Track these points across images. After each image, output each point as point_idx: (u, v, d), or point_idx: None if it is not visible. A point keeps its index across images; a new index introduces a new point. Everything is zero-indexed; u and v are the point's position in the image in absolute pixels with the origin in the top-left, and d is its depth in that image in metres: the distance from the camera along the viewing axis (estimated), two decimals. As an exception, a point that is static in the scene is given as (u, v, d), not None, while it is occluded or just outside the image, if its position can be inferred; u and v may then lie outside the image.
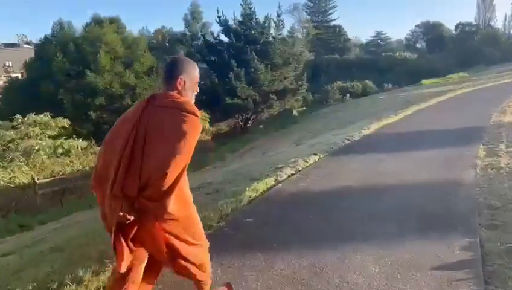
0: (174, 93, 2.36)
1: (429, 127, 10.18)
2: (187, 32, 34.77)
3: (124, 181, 2.16)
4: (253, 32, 29.99)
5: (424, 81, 38.96)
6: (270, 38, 29.73)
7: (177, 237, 2.36)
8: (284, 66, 29.58)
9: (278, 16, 30.05)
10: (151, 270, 2.55)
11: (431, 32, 62.45)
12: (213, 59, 29.67)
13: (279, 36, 30.24)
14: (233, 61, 27.45)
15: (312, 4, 58.19)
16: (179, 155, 2.14)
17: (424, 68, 46.80)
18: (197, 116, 2.29)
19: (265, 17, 30.41)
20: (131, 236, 2.26)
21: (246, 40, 29.32)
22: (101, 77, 24.72)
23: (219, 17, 29.98)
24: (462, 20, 62.10)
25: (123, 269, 2.29)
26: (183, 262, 2.45)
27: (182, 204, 2.34)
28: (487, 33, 59.15)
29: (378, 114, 15.88)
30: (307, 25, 56.66)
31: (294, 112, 32.90)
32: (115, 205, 2.19)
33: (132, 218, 2.17)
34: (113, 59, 25.66)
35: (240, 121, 30.08)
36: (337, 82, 42.12)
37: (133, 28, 71.73)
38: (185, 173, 2.28)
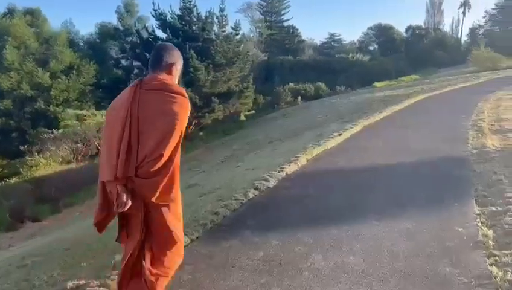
0: (163, 76, 2.35)
1: (385, 159, 6.58)
2: (120, 27, 30.09)
3: (125, 165, 2.15)
4: (193, 28, 25.94)
5: (377, 84, 36.48)
6: (212, 36, 25.78)
7: (164, 223, 2.30)
8: (227, 66, 25.72)
9: (221, 11, 26.08)
10: None
11: (383, 34, 60.52)
12: (148, 57, 25.42)
13: (223, 33, 26.28)
14: (169, 59, 23.38)
15: (265, 3, 54.35)
16: (172, 135, 2.18)
17: (377, 70, 44.67)
18: (185, 97, 2.32)
19: (208, 12, 26.44)
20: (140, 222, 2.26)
21: (185, 37, 25.23)
22: (7, 76, 19.94)
23: (155, 10, 25.68)
24: (413, 24, 60.52)
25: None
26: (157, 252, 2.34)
27: (174, 187, 2.30)
28: (436, 36, 58.00)
29: (322, 126, 12.36)
30: (260, 24, 53.00)
31: (242, 117, 29.37)
32: (113, 190, 2.18)
33: (129, 204, 2.17)
34: (23, 55, 20.85)
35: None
36: (290, 84, 39.02)
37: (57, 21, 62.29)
38: (179, 151, 2.27)
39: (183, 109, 2.25)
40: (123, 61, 29.84)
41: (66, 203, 13.45)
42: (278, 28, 53.86)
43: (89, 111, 20.56)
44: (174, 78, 2.41)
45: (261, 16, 54.95)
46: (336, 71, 46.31)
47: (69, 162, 18.13)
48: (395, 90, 24.46)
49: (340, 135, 8.41)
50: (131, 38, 28.47)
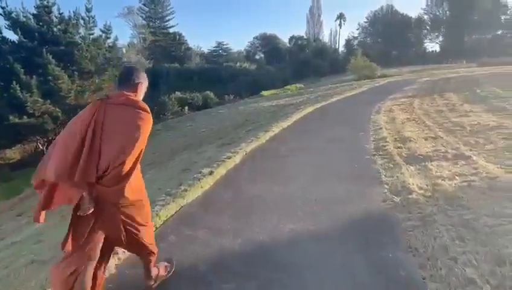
0: (129, 93, 2.42)
1: (275, 227, 3.70)
2: (-43, 26, 23.90)
3: (85, 170, 2.18)
4: (54, 29, 21.33)
5: (264, 93, 35.22)
6: (77, 39, 21.46)
7: (133, 220, 2.45)
8: (97, 73, 21.75)
9: (88, 11, 21.91)
10: (104, 253, 2.50)
11: (268, 44, 60.62)
12: (-6, 63, 20.12)
13: (91, 36, 22.11)
14: (19, 66, 18.57)
15: (148, 9, 50.10)
16: (135, 146, 2.23)
17: (264, 79, 43.85)
18: (148, 112, 2.38)
19: (72, 12, 22.03)
20: (91, 224, 2.30)
21: (43, 39, 20.58)
22: None
23: (3, 7, 20.48)
24: (295, 34, 61.61)
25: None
26: (136, 241, 2.51)
27: (136, 190, 2.40)
28: (317, 46, 59.66)
29: (200, 147, 9.71)
30: (143, 30, 48.65)
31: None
32: (72, 195, 2.22)
33: (92, 209, 2.21)
34: None
35: (41, 145, 21.10)
36: (177, 93, 35.84)
37: None
38: (139, 161, 2.34)
39: (146, 123, 2.31)
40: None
41: None
42: (163, 35, 50.13)
43: None
44: (139, 95, 2.48)
45: (144, 22, 50.54)
46: (224, 80, 44.47)
47: None
48: (282, 99, 22.95)
49: (211, 173, 5.67)
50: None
